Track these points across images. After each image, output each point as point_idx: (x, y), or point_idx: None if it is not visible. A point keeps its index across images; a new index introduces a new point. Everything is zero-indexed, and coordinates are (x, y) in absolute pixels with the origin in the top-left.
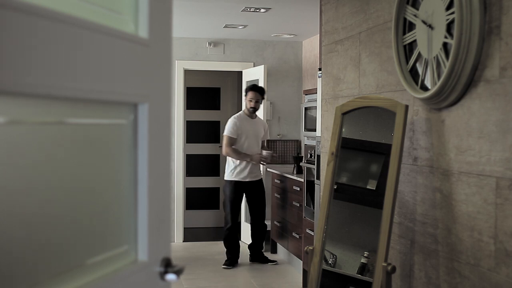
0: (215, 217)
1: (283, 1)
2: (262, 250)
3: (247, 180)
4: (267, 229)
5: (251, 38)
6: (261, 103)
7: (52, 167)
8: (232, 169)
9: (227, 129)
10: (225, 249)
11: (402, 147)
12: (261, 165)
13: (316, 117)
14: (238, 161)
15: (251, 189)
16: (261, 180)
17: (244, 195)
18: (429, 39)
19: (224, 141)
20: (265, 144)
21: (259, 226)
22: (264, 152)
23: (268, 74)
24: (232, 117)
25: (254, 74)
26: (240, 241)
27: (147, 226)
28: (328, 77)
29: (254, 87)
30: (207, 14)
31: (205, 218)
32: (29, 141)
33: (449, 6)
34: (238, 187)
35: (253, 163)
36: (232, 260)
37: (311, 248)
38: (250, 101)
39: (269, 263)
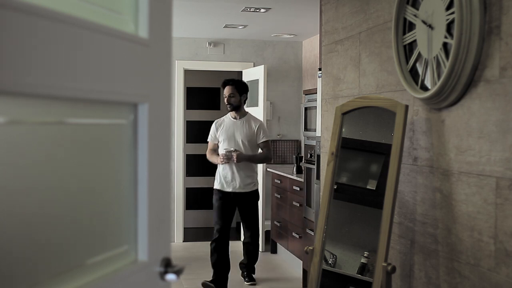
0: None
1: (283, 1)
2: (252, 274)
3: (229, 190)
4: (268, 229)
5: (251, 38)
6: (240, 98)
7: (52, 167)
8: (216, 175)
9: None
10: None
11: (402, 147)
12: (256, 175)
13: (316, 117)
14: (221, 167)
15: (239, 201)
16: (251, 193)
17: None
18: (429, 39)
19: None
20: (267, 147)
21: (251, 248)
22: (224, 151)
23: (268, 74)
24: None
25: (254, 74)
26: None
27: (147, 226)
28: (328, 77)
29: (226, 81)
30: (207, 14)
31: (205, 218)
32: (29, 141)
33: (449, 6)
34: (221, 196)
35: (235, 170)
36: (217, 282)
37: (311, 248)
38: (225, 97)
39: (247, 283)
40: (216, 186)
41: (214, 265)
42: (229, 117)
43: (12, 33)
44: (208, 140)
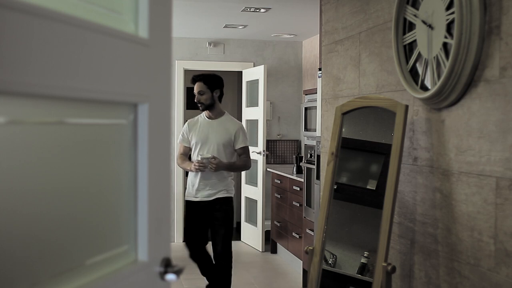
0: None
1: (283, 1)
2: None
3: (197, 199)
4: (268, 229)
5: (251, 38)
6: (212, 95)
7: (52, 167)
8: (187, 186)
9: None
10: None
11: (402, 147)
12: (228, 181)
13: (316, 117)
14: (192, 175)
15: (210, 210)
16: (222, 199)
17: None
18: (429, 39)
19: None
20: (247, 154)
21: (223, 265)
22: (199, 157)
23: (268, 74)
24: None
25: (254, 74)
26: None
27: (147, 226)
28: (328, 77)
29: (194, 77)
30: (207, 14)
31: None
32: (29, 141)
33: (449, 6)
34: (190, 209)
35: (203, 176)
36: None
37: (311, 248)
38: (194, 95)
39: None
40: (186, 196)
41: (203, 274)
42: (203, 116)
43: (12, 33)
44: (178, 141)
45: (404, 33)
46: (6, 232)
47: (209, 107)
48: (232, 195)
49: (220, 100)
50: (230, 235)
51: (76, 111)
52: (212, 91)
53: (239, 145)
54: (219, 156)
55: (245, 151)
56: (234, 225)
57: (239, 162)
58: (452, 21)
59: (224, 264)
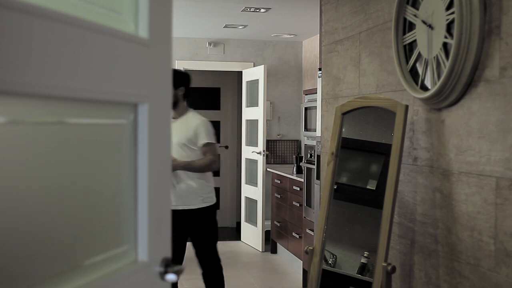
0: None
1: (283, 1)
2: None
3: (173, 207)
4: (268, 229)
5: (251, 38)
6: (175, 92)
7: (52, 167)
8: None
9: None
10: None
11: (402, 147)
12: (203, 187)
13: (316, 117)
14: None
15: (187, 221)
16: (199, 211)
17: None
18: (429, 39)
19: None
20: (211, 151)
21: (209, 277)
22: None
23: (268, 74)
24: None
25: (254, 74)
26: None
27: (147, 226)
28: (328, 77)
29: None
30: (207, 14)
31: None
32: (29, 141)
33: (449, 6)
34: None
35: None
36: None
37: (311, 248)
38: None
39: None
40: None
41: None
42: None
43: (12, 33)
44: None
45: (404, 33)
46: (5, 232)
47: (173, 105)
48: (212, 203)
49: (185, 99)
50: (215, 246)
51: (76, 111)
52: (176, 89)
53: (200, 141)
54: (181, 158)
55: (209, 148)
56: (234, 225)
57: (201, 161)
58: (452, 21)
59: (215, 275)
